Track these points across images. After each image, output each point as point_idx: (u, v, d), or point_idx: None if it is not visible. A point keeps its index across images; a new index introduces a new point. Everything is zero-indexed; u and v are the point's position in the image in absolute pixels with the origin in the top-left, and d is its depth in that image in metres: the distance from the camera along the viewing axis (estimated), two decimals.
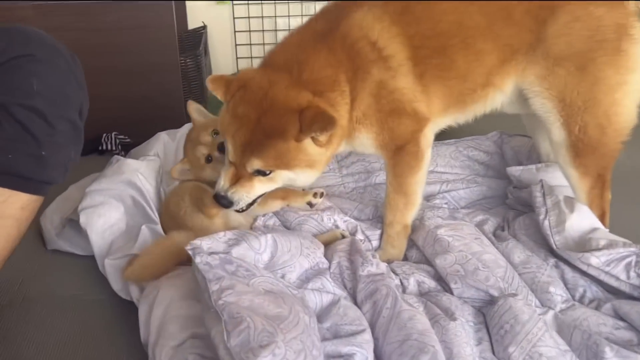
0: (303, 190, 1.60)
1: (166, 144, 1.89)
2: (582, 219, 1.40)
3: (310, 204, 1.57)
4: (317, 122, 1.23)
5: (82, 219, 1.49)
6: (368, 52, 1.33)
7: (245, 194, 1.32)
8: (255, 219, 1.56)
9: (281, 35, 2.80)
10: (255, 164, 1.28)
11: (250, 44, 2.84)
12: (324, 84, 1.30)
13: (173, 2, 2.09)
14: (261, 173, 1.30)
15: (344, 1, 1.41)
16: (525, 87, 1.45)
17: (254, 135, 1.25)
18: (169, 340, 1.10)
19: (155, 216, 1.53)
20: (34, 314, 1.33)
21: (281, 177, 1.32)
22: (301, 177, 1.33)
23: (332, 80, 1.31)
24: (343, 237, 1.46)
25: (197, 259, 1.11)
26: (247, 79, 1.29)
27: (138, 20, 2.08)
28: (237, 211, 1.40)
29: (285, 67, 1.31)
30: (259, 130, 1.25)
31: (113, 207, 1.51)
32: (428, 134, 1.42)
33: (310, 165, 1.31)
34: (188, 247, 1.15)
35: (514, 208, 1.65)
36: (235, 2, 2.78)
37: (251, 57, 2.85)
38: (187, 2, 2.71)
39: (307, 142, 1.27)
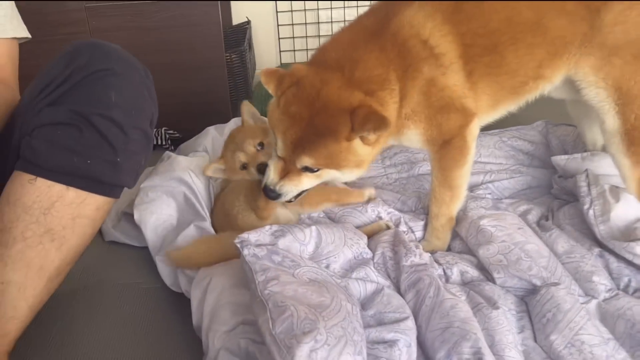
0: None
1: (214, 138, 1.95)
2: (628, 209, 1.40)
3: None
4: (370, 121, 1.24)
5: (136, 216, 1.58)
6: (419, 50, 1.35)
7: (293, 187, 1.37)
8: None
9: (324, 29, 2.86)
10: (305, 161, 1.31)
11: (294, 37, 2.89)
12: (375, 83, 1.32)
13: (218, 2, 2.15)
14: (309, 170, 1.33)
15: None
16: (578, 78, 1.45)
17: (305, 133, 1.28)
18: (221, 326, 1.17)
19: (205, 213, 1.59)
20: (94, 301, 1.43)
21: (328, 175, 1.36)
22: (347, 175, 1.37)
23: (382, 78, 1.33)
24: (388, 227, 1.50)
25: (245, 251, 1.18)
26: (300, 76, 1.31)
27: (186, 19, 2.16)
28: (287, 201, 1.45)
29: (337, 66, 1.32)
30: (310, 129, 1.28)
31: (164, 204, 1.60)
32: (474, 129, 1.44)
33: (357, 165, 1.34)
34: (236, 241, 1.21)
35: (559, 197, 1.65)
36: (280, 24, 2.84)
37: (294, 50, 2.90)
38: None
39: (357, 142, 1.30)
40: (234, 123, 1.99)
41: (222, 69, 2.27)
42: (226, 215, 1.54)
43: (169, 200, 1.61)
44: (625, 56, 1.38)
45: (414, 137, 1.44)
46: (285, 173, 1.36)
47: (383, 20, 1.37)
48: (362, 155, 1.32)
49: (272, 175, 1.37)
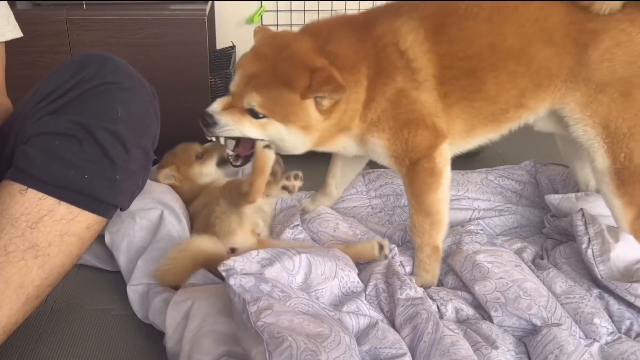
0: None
1: None
2: (628, 250, 1.38)
3: (287, 189, 1.55)
4: (328, 84, 1.29)
5: (107, 239, 1.50)
6: (396, 59, 1.37)
7: (232, 122, 1.36)
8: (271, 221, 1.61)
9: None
10: (253, 98, 1.33)
11: None
12: (343, 62, 1.36)
13: (206, 19, 2.11)
14: (254, 114, 1.35)
15: (385, 7, 1.47)
16: (565, 114, 1.45)
17: (263, 72, 1.32)
18: (203, 356, 1.10)
19: (184, 231, 1.53)
20: (62, 326, 1.34)
21: (271, 129, 1.36)
22: (291, 139, 1.38)
23: (352, 63, 1.36)
24: (381, 247, 1.44)
25: (232, 281, 1.11)
26: (281, 32, 1.43)
27: (171, 37, 2.11)
28: (235, 165, 1.48)
29: (315, 34, 1.40)
30: (270, 70, 1.32)
31: (137, 226, 1.51)
32: (444, 151, 1.43)
33: (304, 128, 1.36)
34: (221, 268, 1.15)
35: (551, 237, 1.63)
36: (265, 24, 2.81)
37: None
38: (216, 22, 2.74)
39: (310, 103, 1.33)
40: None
41: (205, 91, 2.22)
42: (205, 228, 1.47)
43: (142, 222, 1.51)
44: (612, 94, 1.38)
45: (378, 149, 1.44)
46: (230, 107, 1.36)
47: (372, 21, 1.42)
48: (312, 119, 1.35)
49: (215, 104, 1.38)
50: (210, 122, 1.36)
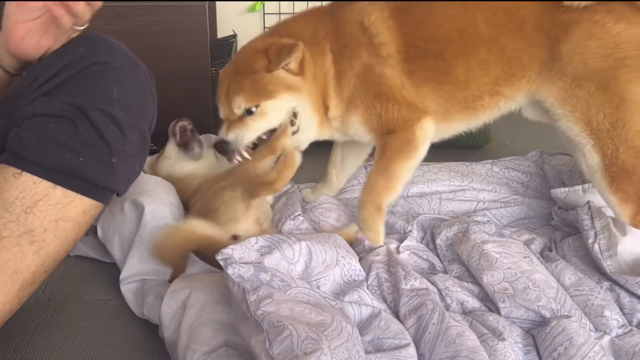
0: None
1: None
2: (637, 242, 1.36)
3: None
4: (282, 52, 1.38)
5: (100, 233, 1.49)
6: (359, 35, 1.43)
7: (239, 132, 1.45)
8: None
9: None
10: (238, 101, 1.42)
11: None
12: (299, 36, 1.44)
13: (206, 3, 2.09)
14: (249, 112, 1.43)
15: None
16: (548, 109, 1.44)
17: (231, 81, 1.44)
18: (201, 345, 1.08)
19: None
20: (59, 316, 1.33)
21: (269, 110, 1.44)
22: (287, 108, 1.44)
23: (311, 36, 1.45)
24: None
25: (230, 270, 1.09)
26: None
27: (171, 25, 2.09)
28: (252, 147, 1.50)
29: (274, 29, 1.52)
30: (234, 76, 1.44)
31: (127, 219, 1.48)
32: (426, 126, 1.44)
33: (289, 88, 1.43)
34: (219, 257, 1.13)
35: (559, 229, 1.61)
36: (266, 13, 2.80)
37: None
38: (217, 10, 2.73)
39: (280, 71, 1.42)
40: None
41: (206, 80, 2.20)
42: (206, 213, 1.45)
43: (132, 214, 1.48)
44: (588, 88, 1.35)
45: (358, 126, 1.48)
46: (230, 124, 1.46)
47: (337, 6, 1.48)
48: (290, 80, 1.42)
49: (220, 131, 1.48)
50: (225, 147, 1.46)
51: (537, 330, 1.20)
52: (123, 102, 1.09)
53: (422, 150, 1.44)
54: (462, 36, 1.39)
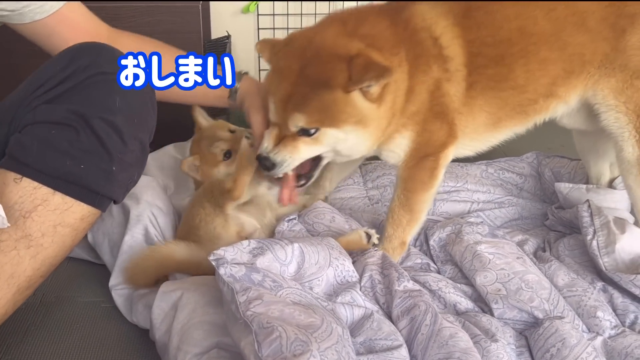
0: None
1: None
2: (635, 241, 1.38)
3: None
4: (370, 70, 1.16)
5: (90, 237, 1.49)
6: (430, 46, 1.29)
7: (288, 155, 1.27)
8: (274, 226, 1.53)
9: None
10: (298, 119, 1.22)
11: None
12: (382, 42, 1.24)
13: (200, 3, 2.10)
14: (306, 132, 1.24)
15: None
16: (597, 101, 1.40)
17: (296, 87, 1.21)
18: (193, 347, 1.09)
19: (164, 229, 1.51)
20: (51, 318, 1.34)
21: (328, 138, 1.25)
22: (351, 139, 1.26)
23: (392, 43, 1.25)
24: (368, 237, 1.42)
25: (222, 271, 1.09)
26: (294, 34, 1.30)
27: (164, 26, 2.10)
28: (299, 186, 1.41)
29: (340, 21, 1.27)
30: (301, 81, 1.20)
31: (116, 223, 1.49)
32: (449, 153, 1.40)
33: (360, 122, 1.23)
34: (211, 258, 1.13)
35: (554, 229, 1.62)
36: (260, 14, 2.80)
37: (261, 70, 2.85)
38: (211, 11, 2.73)
39: (356, 95, 1.20)
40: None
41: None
42: (189, 231, 1.44)
43: (120, 218, 1.49)
44: None
45: (402, 143, 1.37)
46: (280, 139, 1.27)
47: (394, 6, 1.34)
48: (365, 111, 1.22)
49: (266, 142, 1.28)
50: (269, 165, 1.28)
51: (529, 332, 1.21)
52: (125, 112, 1.12)
53: (441, 178, 1.41)
54: (522, 35, 1.32)
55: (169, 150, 1.90)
